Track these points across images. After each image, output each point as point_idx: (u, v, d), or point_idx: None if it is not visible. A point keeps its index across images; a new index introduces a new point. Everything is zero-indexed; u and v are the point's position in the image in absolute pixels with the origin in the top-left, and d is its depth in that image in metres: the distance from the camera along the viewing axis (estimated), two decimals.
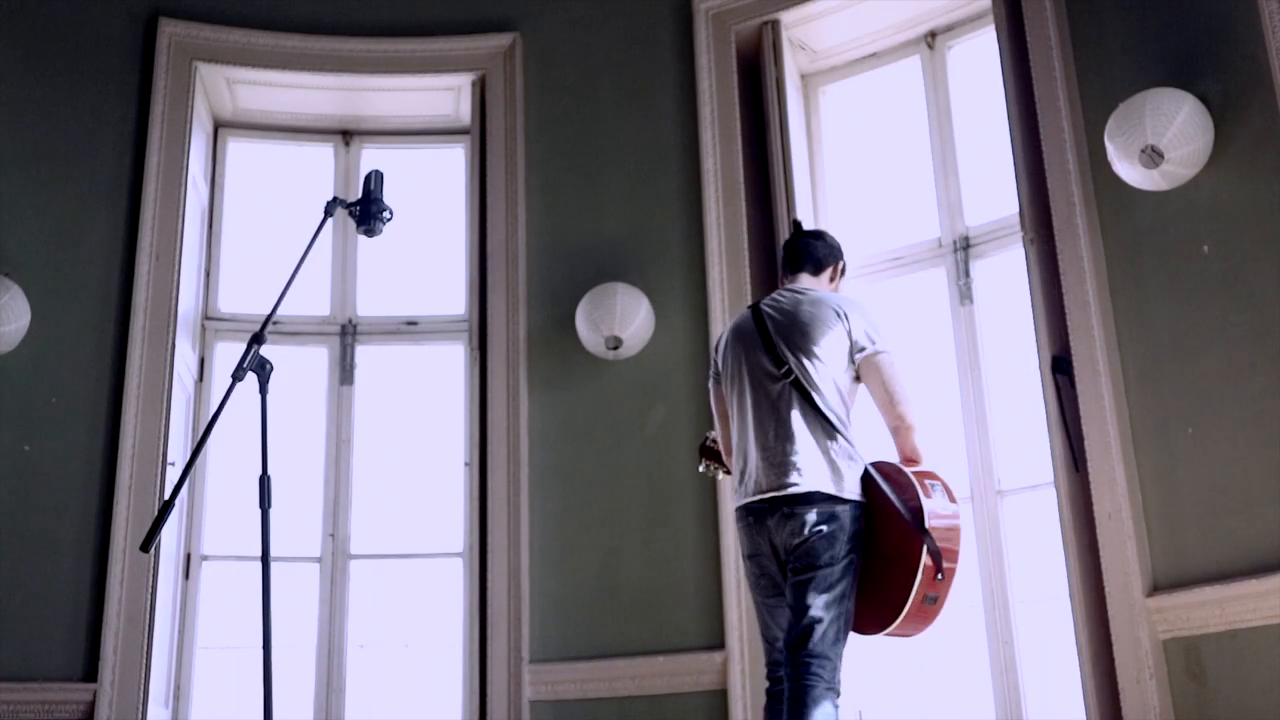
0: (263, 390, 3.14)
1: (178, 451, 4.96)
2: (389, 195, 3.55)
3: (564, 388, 5.07)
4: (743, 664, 4.55)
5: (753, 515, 3.27)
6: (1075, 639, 4.06)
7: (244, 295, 5.51)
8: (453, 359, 5.48)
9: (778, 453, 3.25)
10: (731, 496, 3.45)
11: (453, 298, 5.54)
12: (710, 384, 3.56)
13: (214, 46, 5.41)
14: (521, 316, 5.15)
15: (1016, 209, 4.47)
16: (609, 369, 5.02)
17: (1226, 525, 3.81)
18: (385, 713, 5.12)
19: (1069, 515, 4.14)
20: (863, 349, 3.36)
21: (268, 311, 3.24)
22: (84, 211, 5.10)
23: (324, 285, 5.57)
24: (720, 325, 4.91)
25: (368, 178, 3.54)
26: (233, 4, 5.48)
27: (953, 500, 3.26)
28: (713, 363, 3.57)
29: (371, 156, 5.75)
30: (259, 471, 3.12)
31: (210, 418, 3.15)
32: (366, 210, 3.51)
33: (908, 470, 3.29)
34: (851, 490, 3.24)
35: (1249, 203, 3.93)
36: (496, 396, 5.06)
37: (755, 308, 3.47)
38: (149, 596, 4.70)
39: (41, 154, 5.12)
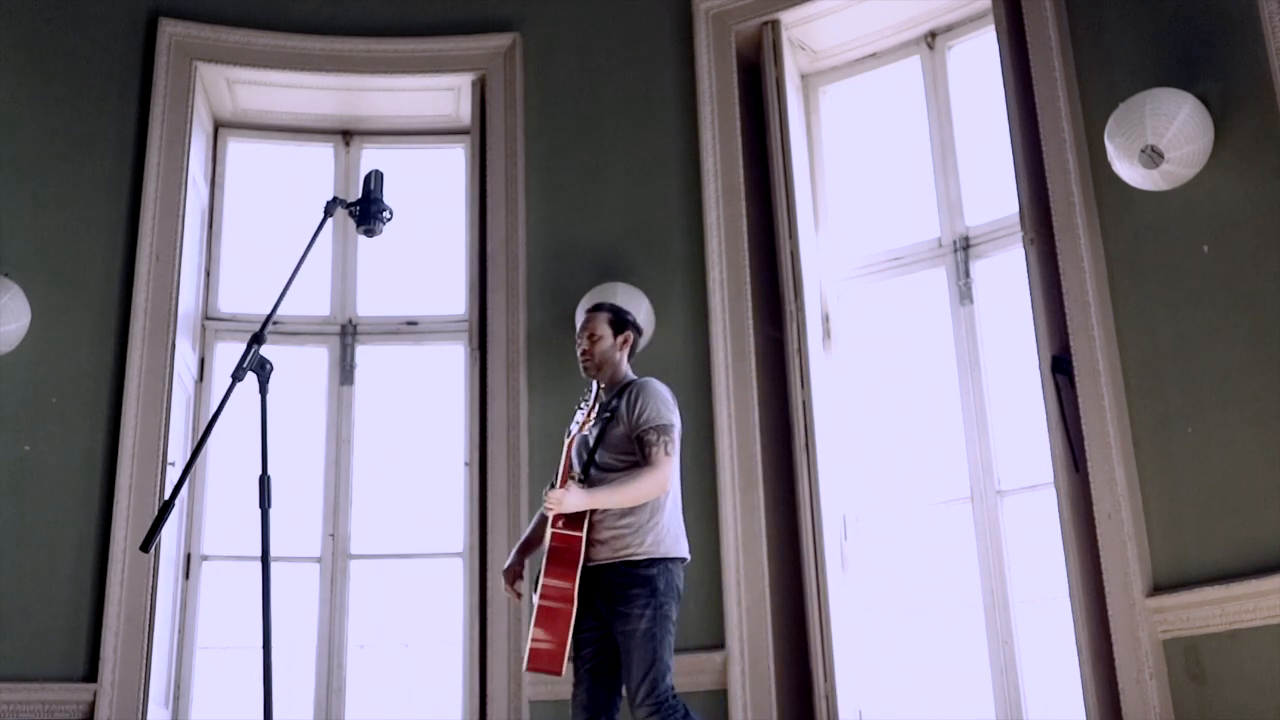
0: (263, 390, 3.14)
1: (178, 451, 4.96)
2: (389, 195, 3.55)
3: (564, 388, 5.06)
4: (743, 664, 4.55)
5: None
6: (1075, 639, 4.06)
7: (244, 295, 5.51)
8: (453, 359, 5.48)
9: None
10: (674, 543, 3.78)
11: (453, 298, 5.53)
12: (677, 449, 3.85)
13: (214, 46, 5.41)
14: (521, 316, 5.15)
15: (1016, 209, 4.48)
16: None
17: (1226, 525, 3.81)
18: (385, 713, 5.12)
19: (1069, 515, 4.14)
20: None
21: (268, 311, 3.25)
22: (84, 211, 5.10)
23: (324, 285, 5.57)
24: (720, 325, 4.91)
25: (368, 178, 3.54)
26: (233, 4, 5.48)
27: None
28: (678, 422, 3.88)
29: (371, 156, 5.75)
30: (259, 471, 3.12)
31: (210, 418, 3.15)
32: (366, 210, 3.52)
33: None
34: None
35: (1249, 203, 3.93)
36: (496, 396, 5.07)
37: None
38: (149, 596, 4.70)
39: (41, 154, 5.12)
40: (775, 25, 5.18)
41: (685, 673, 4.61)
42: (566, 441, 3.87)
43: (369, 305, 5.58)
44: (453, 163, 5.78)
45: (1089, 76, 4.37)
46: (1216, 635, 3.77)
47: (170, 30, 5.34)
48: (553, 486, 3.77)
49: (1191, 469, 3.92)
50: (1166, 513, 3.96)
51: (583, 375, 4.01)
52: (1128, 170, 4.02)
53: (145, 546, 2.98)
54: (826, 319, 5.08)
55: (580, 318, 4.36)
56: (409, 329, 5.54)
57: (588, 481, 3.75)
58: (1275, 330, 3.81)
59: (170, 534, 4.95)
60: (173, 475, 4.86)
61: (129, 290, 5.00)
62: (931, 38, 5.17)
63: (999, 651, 4.49)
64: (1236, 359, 3.88)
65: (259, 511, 3.09)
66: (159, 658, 4.75)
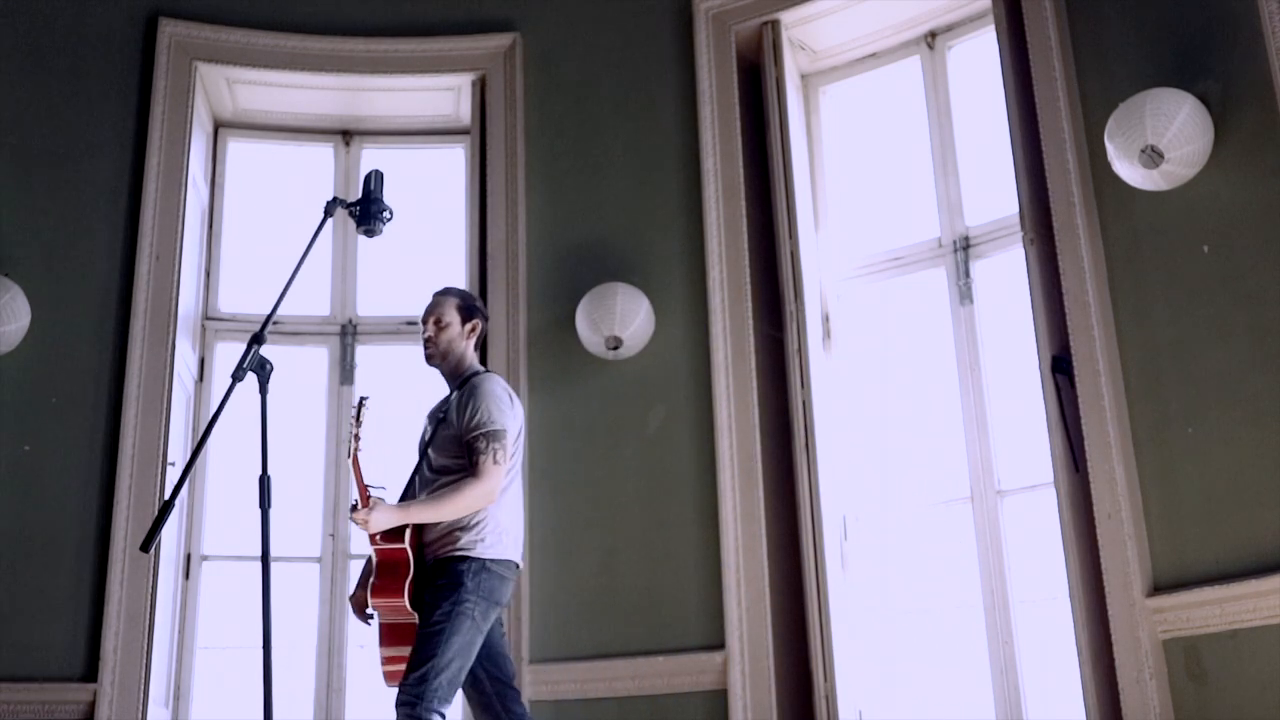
0: (263, 390, 3.15)
1: (178, 451, 4.96)
2: (389, 195, 3.56)
3: (564, 388, 5.07)
4: (743, 664, 4.55)
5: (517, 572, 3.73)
6: (1075, 639, 4.06)
7: (244, 295, 5.51)
8: None
9: None
10: (495, 544, 3.67)
11: None
12: (513, 443, 3.72)
13: (214, 46, 5.41)
14: (521, 316, 5.15)
15: (1016, 209, 4.48)
16: (609, 369, 5.01)
17: (1226, 525, 3.81)
18: (385, 713, 5.11)
19: (1069, 515, 4.14)
20: None
21: (268, 311, 3.25)
22: (84, 211, 5.10)
23: (324, 285, 5.57)
24: (720, 325, 4.91)
25: (368, 178, 3.55)
26: (233, 4, 5.48)
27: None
28: (518, 428, 3.76)
29: (371, 156, 5.75)
30: (259, 471, 3.13)
31: (210, 418, 3.15)
32: (366, 210, 3.53)
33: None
34: None
35: (1249, 203, 3.93)
36: None
37: None
38: (149, 596, 4.69)
39: (41, 154, 5.12)
40: (775, 25, 5.18)
41: (685, 673, 4.63)
42: (349, 459, 3.68)
43: (369, 305, 5.58)
44: (453, 163, 5.78)
45: (1089, 76, 4.37)
46: (1216, 635, 3.77)
47: (170, 30, 5.34)
48: (355, 509, 3.55)
49: (1191, 469, 3.92)
50: (1166, 513, 3.96)
51: (427, 364, 3.89)
52: (1128, 170, 4.02)
53: (145, 546, 2.99)
54: (826, 319, 5.08)
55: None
56: (409, 329, 5.54)
57: (414, 486, 3.62)
58: (1275, 330, 3.81)
59: (170, 534, 4.95)
60: (173, 475, 4.85)
61: (129, 290, 5.00)
62: (931, 38, 5.17)
63: (999, 651, 4.48)
64: (1236, 359, 3.88)
65: (259, 511, 3.10)
66: (159, 658, 4.75)
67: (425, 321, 3.85)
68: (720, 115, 5.15)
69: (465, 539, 3.57)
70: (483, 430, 3.61)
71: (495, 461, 3.58)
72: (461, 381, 3.77)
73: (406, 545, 3.53)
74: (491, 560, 3.58)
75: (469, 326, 3.86)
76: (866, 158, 5.37)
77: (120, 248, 5.07)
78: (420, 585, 3.56)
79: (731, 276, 4.96)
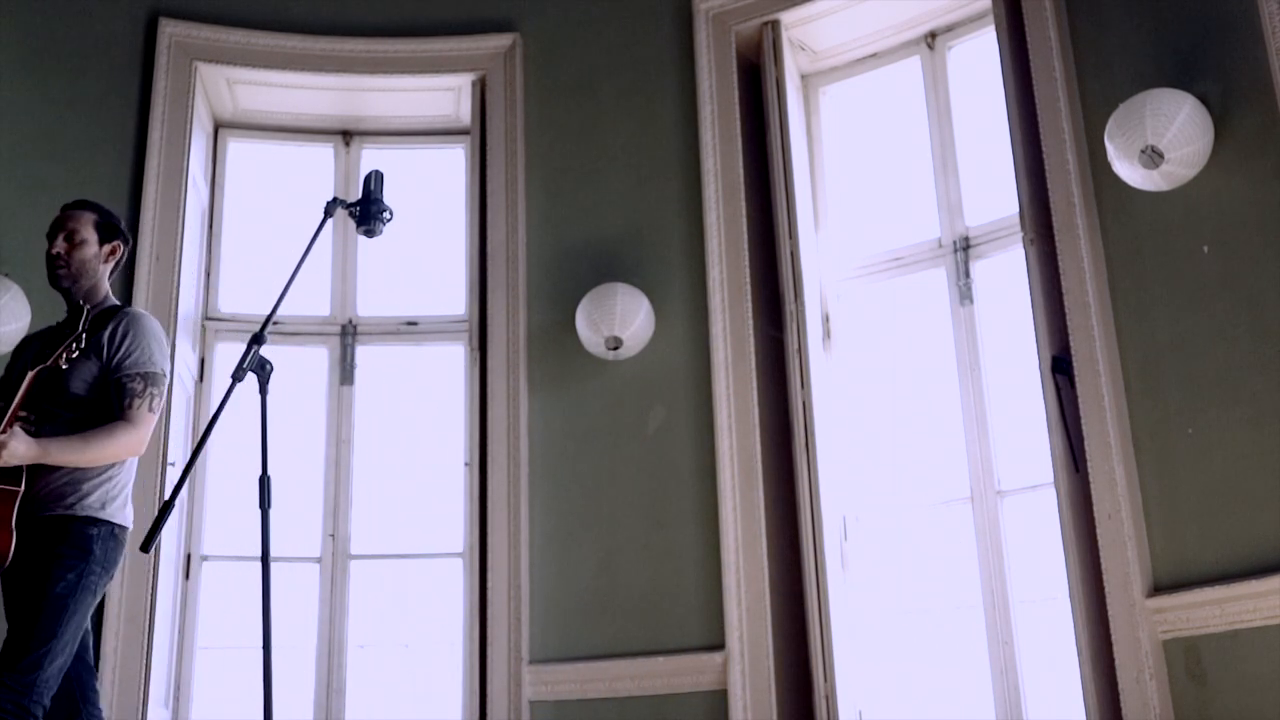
0: (263, 390, 3.14)
1: (178, 452, 4.96)
2: (389, 195, 3.55)
3: (564, 388, 5.07)
4: (743, 664, 4.55)
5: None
6: (1075, 639, 4.06)
7: (244, 295, 5.51)
8: (453, 359, 5.48)
9: None
10: (123, 508, 3.33)
11: (453, 298, 5.53)
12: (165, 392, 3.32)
13: (214, 46, 5.41)
14: (521, 316, 5.15)
15: (1016, 209, 4.48)
16: (609, 369, 5.02)
17: (1226, 525, 3.82)
18: (385, 713, 5.12)
19: (1069, 515, 4.14)
20: None
21: (268, 311, 3.24)
22: None
23: (324, 285, 5.57)
24: (720, 325, 4.90)
25: (368, 178, 3.54)
26: (233, 4, 5.48)
27: None
28: (169, 370, 3.34)
29: (371, 157, 5.75)
30: (259, 471, 3.13)
31: (210, 418, 3.14)
32: (366, 210, 3.52)
33: None
34: None
35: (1249, 203, 3.93)
36: (496, 396, 5.07)
37: None
38: (149, 596, 4.69)
39: (41, 154, 5.12)
40: (775, 25, 5.18)
41: (685, 673, 4.63)
42: (29, 375, 3.15)
43: (369, 305, 5.58)
44: (453, 163, 5.79)
45: (1089, 76, 4.37)
46: (1216, 635, 3.77)
47: (170, 30, 5.34)
48: None
49: (1191, 469, 3.93)
50: (1166, 513, 3.96)
51: (51, 285, 3.44)
52: (1128, 170, 4.02)
53: (145, 547, 2.98)
54: (826, 319, 5.08)
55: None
56: (409, 329, 5.54)
57: (37, 425, 3.08)
58: (1275, 330, 3.81)
59: (170, 534, 4.95)
60: (173, 475, 4.85)
61: (129, 290, 4.99)
62: (931, 38, 5.17)
63: (999, 651, 4.48)
64: (1236, 359, 3.88)
65: (259, 511, 3.09)
66: (159, 658, 4.74)
67: (54, 236, 3.39)
68: (720, 115, 5.15)
69: (96, 497, 3.19)
70: (141, 370, 3.22)
71: (150, 409, 3.20)
72: (100, 312, 3.31)
73: (21, 490, 3.07)
74: (119, 526, 3.27)
75: (108, 249, 3.43)
76: (866, 158, 5.37)
77: None
78: (21, 540, 3.09)
79: (731, 276, 4.96)
